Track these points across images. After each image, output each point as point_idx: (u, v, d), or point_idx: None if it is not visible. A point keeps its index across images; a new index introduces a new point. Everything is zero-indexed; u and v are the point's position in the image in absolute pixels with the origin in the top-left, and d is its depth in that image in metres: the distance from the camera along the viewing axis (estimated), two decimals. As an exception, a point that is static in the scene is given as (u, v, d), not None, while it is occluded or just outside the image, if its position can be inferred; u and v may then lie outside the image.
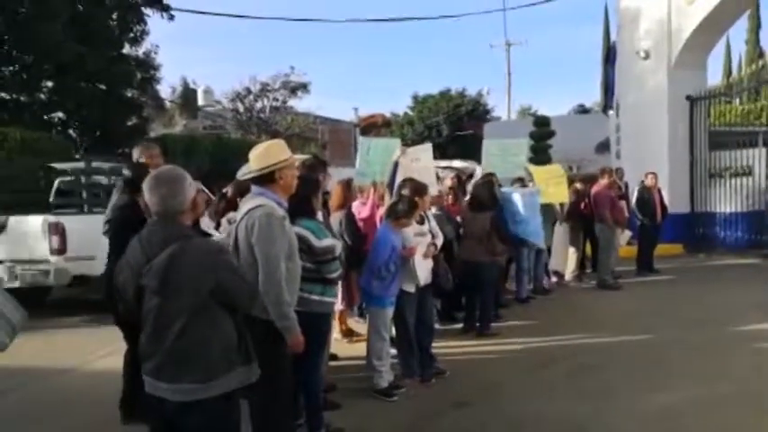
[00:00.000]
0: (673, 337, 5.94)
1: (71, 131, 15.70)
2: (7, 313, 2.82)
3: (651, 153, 11.46)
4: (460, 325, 6.30)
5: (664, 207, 9.67)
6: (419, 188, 4.76)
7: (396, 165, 5.60)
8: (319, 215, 3.77)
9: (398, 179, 5.22)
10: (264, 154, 3.05)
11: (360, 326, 5.96)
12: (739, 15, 13.02)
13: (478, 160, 9.07)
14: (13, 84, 13.83)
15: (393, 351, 4.76)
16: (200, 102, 28.45)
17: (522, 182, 7.63)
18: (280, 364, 3.04)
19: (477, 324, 6.14)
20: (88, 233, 6.04)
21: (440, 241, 4.97)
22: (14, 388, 4.87)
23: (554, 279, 8.59)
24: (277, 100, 26.65)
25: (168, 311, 2.20)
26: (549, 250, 8.21)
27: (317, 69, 72.38)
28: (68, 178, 8.04)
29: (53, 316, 7.16)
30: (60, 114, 15.35)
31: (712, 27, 11.61)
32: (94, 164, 7.98)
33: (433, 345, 5.04)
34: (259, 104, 26.71)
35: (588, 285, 8.66)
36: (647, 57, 12.08)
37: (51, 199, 8.13)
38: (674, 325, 6.40)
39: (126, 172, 3.94)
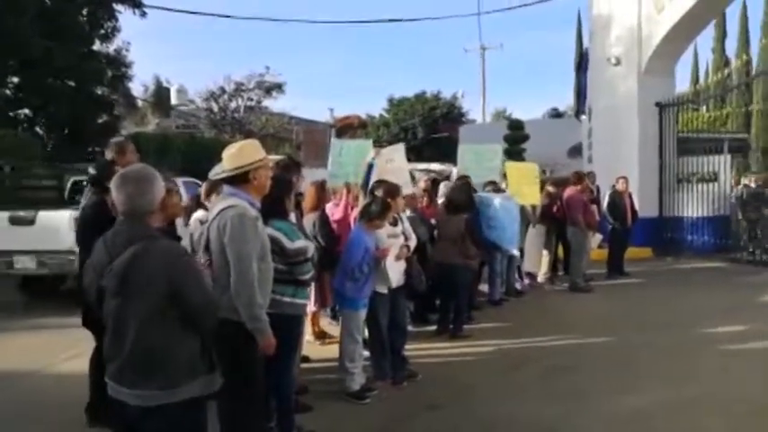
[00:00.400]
0: (642, 339, 6.04)
1: (38, 129, 15.32)
2: None
3: (622, 157, 11.66)
4: (434, 327, 6.31)
5: (634, 211, 9.85)
6: (392, 189, 4.76)
7: (370, 166, 5.59)
8: (292, 216, 3.73)
9: (373, 180, 5.21)
10: (238, 154, 3.02)
11: (333, 328, 5.93)
12: (706, 24, 13.35)
13: (454, 162, 9.13)
14: (-24, 79, 13.48)
15: (365, 353, 4.74)
16: (174, 100, 28.07)
17: (494, 185, 7.68)
18: (251, 366, 3.01)
19: (451, 326, 6.16)
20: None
21: (413, 243, 4.97)
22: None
23: (526, 281, 8.67)
24: (251, 100, 26.48)
25: (127, 314, 2.14)
26: (522, 252, 8.29)
27: (293, 70, 72.10)
28: (82, 177, 8.56)
29: (22, 317, 7.01)
30: (27, 111, 14.97)
31: (680, 35, 11.87)
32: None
33: (406, 347, 5.04)
34: (233, 104, 26.50)
35: (560, 288, 8.77)
36: (617, 63, 12.30)
37: (66, 196, 8.96)
38: (643, 327, 6.51)
39: (91, 170, 3.83)
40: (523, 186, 7.99)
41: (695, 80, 33.74)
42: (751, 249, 10.95)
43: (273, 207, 3.39)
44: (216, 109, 26.33)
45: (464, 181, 6.99)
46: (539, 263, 8.92)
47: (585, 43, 16.92)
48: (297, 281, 3.49)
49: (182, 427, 2.23)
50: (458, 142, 17.34)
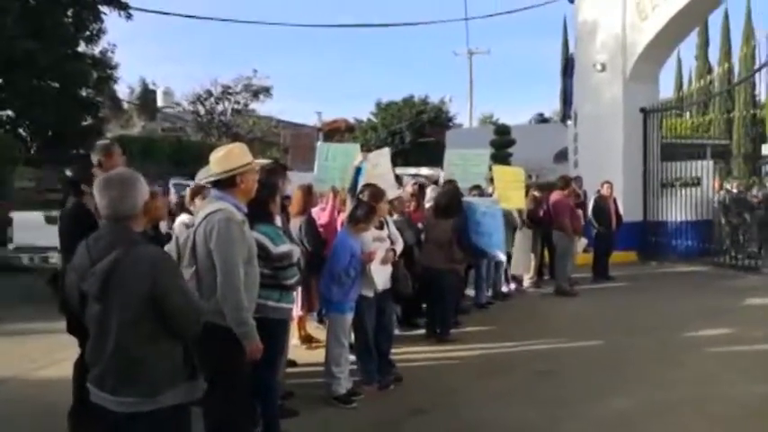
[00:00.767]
0: (628, 343, 6.09)
1: (21, 131, 15.14)
2: None
3: (607, 163, 11.76)
4: (421, 331, 6.31)
5: (618, 216, 9.94)
6: (377, 193, 4.77)
7: (358, 170, 5.59)
8: (278, 220, 3.72)
9: (361, 184, 5.22)
10: (226, 158, 3.01)
11: (319, 332, 5.91)
12: (689, 32, 13.54)
13: (442, 167, 9.15)
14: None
15: (352, 357, 4.73)
16: (160, 103, 27.91)
17: (479, 189, 7.71)
18: (236, 371, 2.99)
19: (437, 330, 6.17)
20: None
21: (399, 247, 4.97)
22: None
23: (513, 285, 8.71)
24: (239, 103, 26.38)
25: (108, 319, 2.11)
26: (508, 256, 8.32)
27: (281, 73, 71.75)
28: None
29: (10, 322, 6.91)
30: (9, 113, 14.79)
31: (664, 42, 12.03)
32: None
33: (393, 351, 5.04)
34: (220, 107, 26.38)
35: (546, 292, 8.82)
36: (603, 69, 12.42)
37: None
38: (628, 331, 6.56)
39: (68, 173, 3.77)
40: (510, 190, 8.03)
41: (679, 87, 34.24)
42: (733, 254, 11.09)
43: (259, 211, 3.37)
44: (202, 112, 26.20)
45: (452, 185, 7.01)
46: (528, 266, 8.97)
47: (571, 49, 17.12)
48: (282, 285, 3.48)
49: None
50: (445, 147, 17.41)
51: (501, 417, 4.26)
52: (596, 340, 6.18)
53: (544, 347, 5.97)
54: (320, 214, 5.41)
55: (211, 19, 38.53)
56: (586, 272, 9.65)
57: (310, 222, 5.17)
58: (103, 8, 15.52)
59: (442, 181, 8.47)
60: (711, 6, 12.45)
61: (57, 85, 14.58)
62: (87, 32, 15.62)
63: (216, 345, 2.83)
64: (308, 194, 5.30)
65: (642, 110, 12.14)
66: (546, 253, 9.42)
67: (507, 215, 8.05)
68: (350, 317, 4.51)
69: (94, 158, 4.04)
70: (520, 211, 8.38)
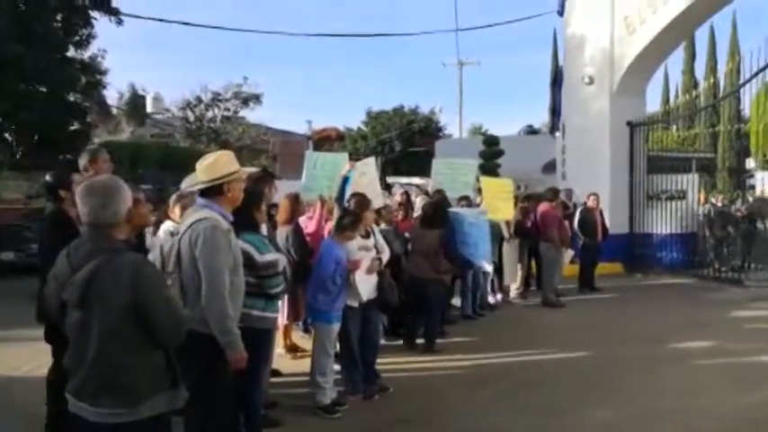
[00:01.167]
0: (613, 354, 6.12)
1: (7, 135, 15.00)
2: None
3: (594, 175, 11.86)
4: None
5: (605, 227, 10.01)
6: (363, 202, 4.79)
7: (345, 179, 5.59)
8: (263, 229, 3.71)
9: (349, 193, 5.22)
10: (213, 166, 3.01)
11: (304, 341, 5.89)
12: (675, 47, 13.73)
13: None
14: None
15: (337, 367, 4.71)
16: (149, 109, 27.82)
17: (467, 200, 7.74)
18: (219, 381, 2.98)
19: (423, 340, 6.16)
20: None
21: (386, 256, 4.98)
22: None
23: (499, 296, 8.73)
24: (228, 110, 26.35)
25: (88, 329, 2.08)
26: (495, 267, 8.35)
27: (272, 81, 71.87)
28: None
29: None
30: (-5, 116, 14.65)
31: (651, 57, 12.19)
32: None
33: (378, 360, 5.02)
34: (210, 114, 26.33)
35: (532, 303, 8.84)
36: (591, 82, 12.55)
37: None
38: (614, 342, 6.60)
39: (48, 178, 3.73)
40: (498, 201, 8.06)
41: (666, 100, 34.68)
42: (717, 266, 11.21)
43: (244, 220, 3.36)
44: (192, 118, 26.13)
45: (440, 196, 7.03)
46: (515, 277, 8.99)
47: (561, 62, 17.28)
48: (267, 294, 3.47)
49: None
50: (434, 157, 17.49)
51: (486, 427, 4.26)
52: (582, 351, 6.21)
53: (530, 358, 5.98)
54: (307, 223, 5.40)
55: (203, 26, 38.47)
56: (573, 283, 9.70)
57: (297, 231, 5.16)
58: (94, 13, 15.47)
59: (431, 190, 8.51)
60: (697, 22, 12.63)
61: (44, 89, 14.48)
62: (77, 37, 15.53)
63: (199, 353, 2.82)
64: (296, 203, 5.29)
65: (629, 123, 12.27)
66: (533, 264, 9.46)
67: (495, 226, 8.10)
68: (336, 326, 4.49)
69: (80, 164, 4.02)
70: (508, 223, 8.42)
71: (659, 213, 11.91)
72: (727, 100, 21.93)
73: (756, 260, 11.22)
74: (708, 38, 36.44)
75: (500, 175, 18.41)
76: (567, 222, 9.29)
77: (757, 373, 5.41)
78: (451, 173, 8.31)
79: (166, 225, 4.31)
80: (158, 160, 16.41)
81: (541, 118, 35.61)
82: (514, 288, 9.09)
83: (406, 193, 8.16)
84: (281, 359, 5.50)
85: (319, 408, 4.38)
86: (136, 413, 2.11)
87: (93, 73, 16.30)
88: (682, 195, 11.80)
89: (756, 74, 10.07)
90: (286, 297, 4.94)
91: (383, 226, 5.80)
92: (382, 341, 5.66)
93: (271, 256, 3.48)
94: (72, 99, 15.84)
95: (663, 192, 11.96)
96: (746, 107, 25.54)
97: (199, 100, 25.88)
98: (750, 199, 13.14)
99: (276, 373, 4.99)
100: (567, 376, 5.42)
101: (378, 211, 5.78)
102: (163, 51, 69.27)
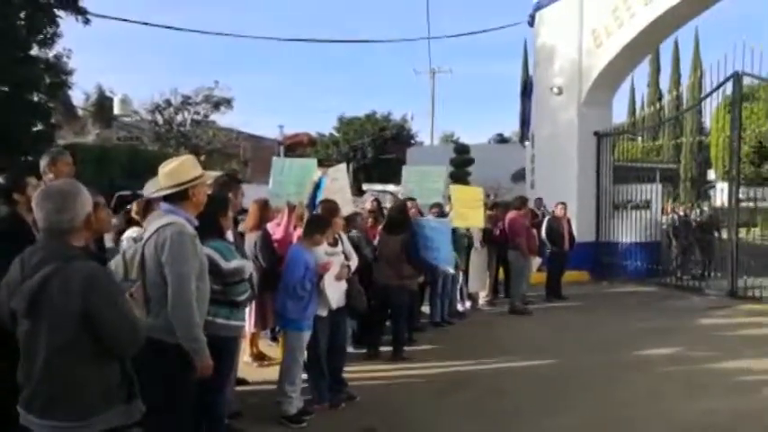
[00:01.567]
0: (578, 361, 6.20)
1: (-35, 135, 14.49)
2: None
3: (562, 184, 12.05)
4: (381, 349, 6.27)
5: (572, 236, 10.17)
6: (332, 208, 4.77)
7: (317, 185, 5.56)
8: (229, 235, 3.66)
9: (320, 199, 5.20)
10: (178, 171, 2.98)
11: (272, 349, 5.81)
12: (641, 60, 14.06)
13: (402, 183, 9.18)
14: None
15: (303, 375, 4.66)
16: (117, 111, 27.25)
17: (439, 207, 7.77)
18: (184, 391, 2.92)
19: (391, 348, 6.15)
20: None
21: (354, 263, 4.96)
22: None
23: (468, 303, 8.78)
24: (199, 114, 26.02)
25: (37, 339, 2.00)
26: (465, 274, 8.40)
27: (243, 85, 71.38)
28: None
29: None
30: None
31: (617, 69, 12.46)
32: None
33: (346, 369, 4.99)
34: (179, 117, 25.96)
35: (501, 310, 8.91)
36: (559, 93, 12.77)
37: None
38: (580, 349, 6.69)
39: (1, 180, 3.59)
40: (468, 210, 8.10)
41: (632, 112, 35.55)
42: (679, 275, 11.48)
43: (209, 225, 3.31)
44: (161, 121, 25.72)
45: (401, 201, 7.05)
46: (483, 284, 9.05)
47: (531, 72, 17.54)
48: (232, 302, 3.42)
49: None
50: (406, 164, 17.56)
51: (452, 436, 4.26)
52: (549, 359, 6.28)
53: (497, 366, 6.02)
54: (275, 229, 5.34)
55: (170, 28, 38.05)
56: (540, 290, 9.82)
57: (265, 237, 5.10)
58: (59, 12, 15.10)
59: (401, 197, 8.53)
60: (662, 36, 12.97)
61: (6, 88, 14.06)
62: (41, 36, 15.14)
63: (163, 363, 2.77)
64: (264, 209, 5.23)
65: (596, 133, 12.51)
66: (501, 271, 9.54)
67: (465, 233, 8.16)
68: (307, 334, 4.44)
69: (41, 166, 3.90)
70: (480, 230, 8.49)
71: (624, 222, 12.15)
72: (689, 112, 22.57)
73: (715, 269, 11.52)
74: (672, 52, 37.54)
75: (470, 183, 18.59)
76: (535, 230, 9.40)
77: (715, 381, 5.55)
78: (421, 180, 8.34)
79: (130, 231, 4.22)
80: (125, 163, 16.09)
81: (512, 127, 36.09)
82: (483, 296, 9.15)
83: (377, 200, 8.16)
84: (247, 368, 5.43)
85: (285, 417, 4.33)
86: (87, 427, 2.03)
87: (57, 73, 15.87)
88: (646, 205, 12.07)
89: (716, 89, 10.38)
90: (253, 304, 4.88)
91: (353, 232, 5.78)
92: (350, 349, 5.63)
93: (236, 263, 3.43)
94: (36, 99, 15.41)
95: (628, 201, 12.21)
96: (708, 120, 26.38)
97: (168, 103, 25.51)
98: (705, 209, 13.46)
99: (242, 381, 4.92)
100: (532, 384, 5.47)
101: (351, 217, 5.77)
102: (133, 53, 68.09)
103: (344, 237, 5.07)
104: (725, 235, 10.77)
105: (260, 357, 5.80)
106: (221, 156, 26.02)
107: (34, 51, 15.25)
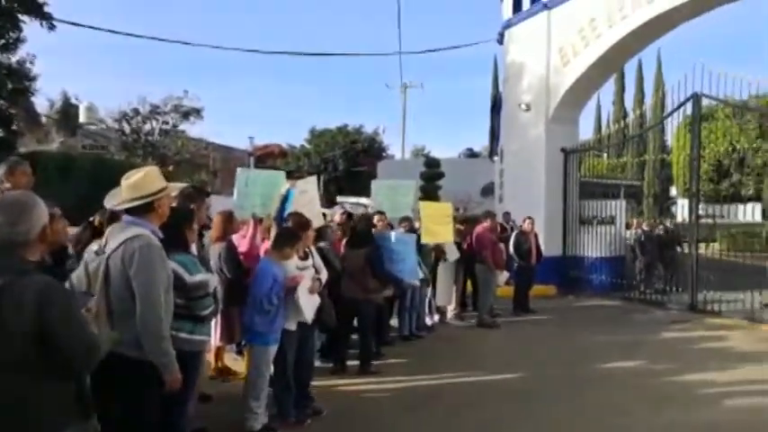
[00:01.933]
0: (544, 374, 6.26)
1: None
2: None
3: (530, 199, 12.23)
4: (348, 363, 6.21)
5: (539, 250, 10.30)
6: (303, 222, 4.73)
7: (286, 197, 5.51)
8: (193, 248, 3.59)
9: (289, 212, 5.15)
10: (143, 182, 2.95)
11: (237, 364, 5.71)
12: (607, 78, 14.44)
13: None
14: None
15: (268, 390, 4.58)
16: (82, 119, 26.70)
17: (409, 221, 7.79)
18: (147, 407, 2.86)
19: (358, 362, 6.11)
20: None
21: (324, 276, 4.92)
22: None
23: (436, 317, 8.79)
24: (167, 123, 25.65)
25: None
26: (434, 288, 8.43)
27: (215, 96, 70.78)
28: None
29: None
30: None
31: (584, 87, 12.77)
32: None
33: (313, 383, 4.93)
34: (147, 126, 25.55)
35: (468, 324, 8.95)
36: (528, 109, 13.01)
37: None
38: (545, 363, 6.75)
39: None
40: (437, 225, 8.15)
41: (598, 129, 36.37)
42: (642, 289, 11.72)
43: (174, 238, 3.25)
44: (128, 130, 25.26)
45: (363, 215, 7.05)
46: (450, 298, 9.09)
47: (500, 88, 17.83)
48: (196, 316, 3.35)
49: None
50: (377, 177, 17.61)
51: (418, 451, 4.24)
52: (516, 372, 6.32)
53: (464, 380, 6.03)
54: (240, 242, 5.26)
55: (139, 36, 37.30)
56: (508, 304, 9.90)
57: (230, 249, 5.02)
58: (23, 17, 14.75)
59: (371, 211, 8.53)
60: (626, 56, 13.34)
61: (-35, 94, 13.66)
62: (2, 41, 14.75)
63: (127, 379, 2.72)
64: (229, 221, 5.16)
65: (563, 149, 12.76)
66: (469, 285, 9.60)
67: (436, 248, 8.21)
68: (274, 349, 4.38)
69: None
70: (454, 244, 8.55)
71: (590, 237, 12.38)
72: (652, 131, 23.24)
73: (677, 283, 11.80)
74: (636, 71, 38.67)
75: (440, 197, 18.73)
76: (503, 245, 9.50)
77: (679, 393, 5.65)
78: (391, 193, 8.35)
79: (93, 245, 4.09)
80: (90, 173, 15.68)
81: (482, 141, 36.55)
82: (451, 309, 9.18)
83: (348, 213, 8.14)
84: (211, 383, 5.32)
85: (249, 433, 4.24)
86: None
87: (20, 78, 15.48)
88: (611, 220, 12.32)
89: (676, 109, 10.71)
90: (219, 318, 4.79)
91: (322, 244, 5.74)
92: (317, 363, 5.57)
93: (201, 277, 3.37)
94: (-3, 105, 14.99)
95: (594, 216, 12.46)
96: (670, 138, 27.16)
97: (136, 112, 25.08)
98: (669, 224, 13.79)
99: (206, 397, 4.82)
100: (500, 398, 5.49)
101: (322, 229, 5.74)
102: (101, 61, 66.92)
103: (314, 250, 5.03)
104: (686, 250, 11.05)
105: (225, 372, 5.69)
106: (190, 166, 25.68)
107: (-5, 56, 14.86)
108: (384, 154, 37.05)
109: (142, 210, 2.92)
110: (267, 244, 4.90)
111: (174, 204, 3.49)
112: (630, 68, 37.64)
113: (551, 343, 7.93)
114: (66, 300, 2.09)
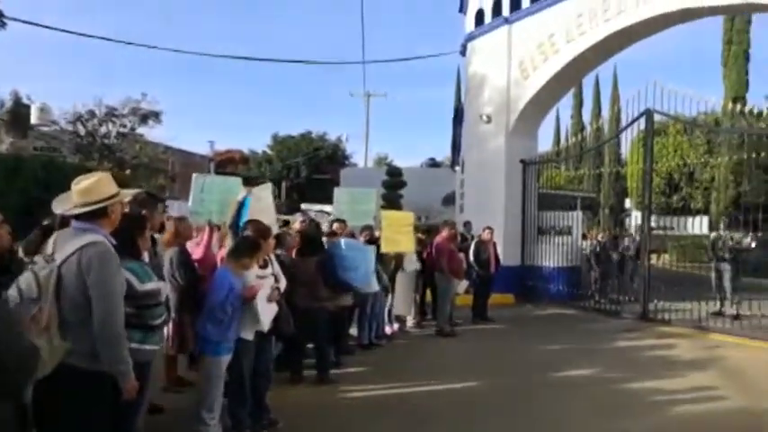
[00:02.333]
0: (501, 383, 6.33)
1: None
2: None
3: (489, 209, 12.42)
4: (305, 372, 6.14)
5: (497, 259, 10.45)
6: (264, 230, 4.65)
7: (242, 204, 5.42)
8: (145, 255, 3.50)
9: (246, 219, 5.06)
10: (95, 188, 2.89)
11: (191, 373, 5.58)
12: (565, 92, 14.79)
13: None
14: None
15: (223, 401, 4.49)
16: (34, 120, 25.74)
17: (370, 230, 7.79)
18: (98, 420, 2.77)
19: (316, 371, 6.05)
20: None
21: (283, 285, 4.86)
22: None
23: (396, 325, 8.80)
24: (125, 126, 24.98)
25: None
26: (393, 296, 8.44)
27: (174, 100, 69.45)
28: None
29: None
30: None
31: (543, 100, 13.06)
32: None
33: (269, 393, 4.85)
34: (104, 129, 24.82)
35: (428, 332, 8.99)
36: (489, 121, 13.22)
37: None
38: (502, 372, 6.84)
39: None
40: (398, 234, 8.18)
41: (557, 141, 37.24)
42: (597, 299, 12.01)
43: (125, 245, 3.16)
44: (83, 133, 24.49)
45: (312, 223, 7.02)
46: (410, 307, 9.12)
47: (462, 99, 18.07)
48: (146, 325, 3.26)
49: None
50: (339, 185, 17.57)
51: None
52: (474, 380, 6.37)
53: (422, 389, 6.04)
54: (195, 249, 5.15)
55: (92, 37, 36.36)
56: (468, 312, 9.99)
57: (183, 254, 4.91)
58: (-28, 14, 14.20)
59: (331, 219, 8.49)
60: (584, 71, 13.70)
61: None
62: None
63: (75, 392, 2.64)
64: (181, 225, 5.05)
65: (522, 161, 13.00)
66: (428, 293, 9.65)
67: (396, 257, 8.23)
68: (226, 359, 4.28)
69: None
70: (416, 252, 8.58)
71: (548, 247, 12.63)
72: (608, 144, 23.92)
73: (631, 293, 12.14)
74: (593, 86, 39.77)
75: (402, 206, 18.81)
76: (462, 254, 9.60)
77: (631, 400, 5.80)
78: (352, 201, 8.34)
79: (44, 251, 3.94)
80: (41, 175, 15.14)
81: (444, 151, 37.00)
82: (410, 318, 9.21)
83: (311, 220, 8.07)
84: (163, 394, 5.18)
85: (202, 445, 4.14)
86: None
87: (-33, 77, 14.89)
88: (568, 231, 12.60)
89: (630, 124, 11.05)
90: (171, 326, 4.68)
91: (278, 251, 5.67)
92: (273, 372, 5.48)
93: (152, 285, 3.28)
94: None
95: (552, 227, 12.72)
96: (624, 151, 27.99)
97: (92, 114, 24.33)
98: (634, 235, 14.13)
99: (158, 409, 4.69)
100: (458, 406, 5.52)
101: (279, 238, 5.66)
102: (54, 61, 64.90)
103: (273, 258, 4.96)
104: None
105: (178, 382, 5.55)
106: (148, 170, 25.07)
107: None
108: (347, 162, 37.07)
109: (94, 216, 2.85)
110: (224, 252, 4.81)
111: (126, 210, 3.39)
112: (588, 83, 38.66)
113: (509, 351, 8.04)
114: (4, 310, 1.98)
